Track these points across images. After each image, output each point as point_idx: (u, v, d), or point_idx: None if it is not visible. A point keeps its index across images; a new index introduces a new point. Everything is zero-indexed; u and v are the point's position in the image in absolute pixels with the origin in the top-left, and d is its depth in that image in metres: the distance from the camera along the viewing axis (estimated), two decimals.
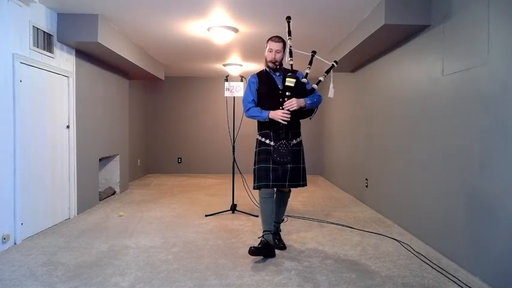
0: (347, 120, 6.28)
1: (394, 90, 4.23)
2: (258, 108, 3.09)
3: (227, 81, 4.50)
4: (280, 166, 3.02)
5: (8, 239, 3.21)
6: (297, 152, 3.10)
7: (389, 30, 3.64)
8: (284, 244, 3.28)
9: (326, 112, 7.84)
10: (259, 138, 3.15)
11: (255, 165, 3.12)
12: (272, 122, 3.01)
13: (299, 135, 3.17)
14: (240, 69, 7.08)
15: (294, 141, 3.10)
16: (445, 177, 3.07)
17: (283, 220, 3.66)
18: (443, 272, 2.73)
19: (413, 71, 3.74)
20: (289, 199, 3.35)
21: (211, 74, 8.20)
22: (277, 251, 3.16)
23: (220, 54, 6.12)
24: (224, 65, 7.04)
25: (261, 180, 3.03)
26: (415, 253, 3.14)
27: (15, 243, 3.31)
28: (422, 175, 3.49)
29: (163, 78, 7.11)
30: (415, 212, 3.64)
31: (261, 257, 2.99)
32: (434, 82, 3.27)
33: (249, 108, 3.12)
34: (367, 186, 5.13)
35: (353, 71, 5.83)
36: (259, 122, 3.16)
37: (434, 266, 2.84)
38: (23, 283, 2.51)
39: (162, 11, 3.99)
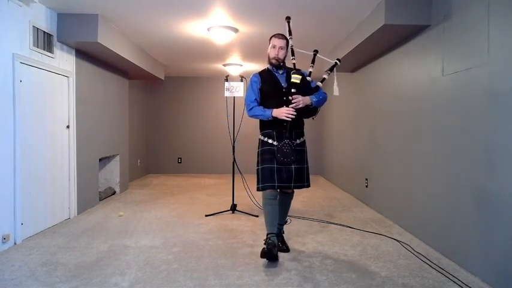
0: (347, 120, 6.28)
1: (394, 90, 4.22)
2: (261, 107, 3.04)
3: (227, 81, 4.50)
4: (285, 166, 2.97)
5: (8, 239, 3.21)
6: (301, 152, 3.06)
7: (390, 30, 3.64)
8: (287, 246, 3.24)
9: (326, 112, 7.84)
10: (262, 138, 3.10)
11: (258, 166, 3.06)
12: (275, 121, 2.96)
13: (302, 135, 3.12)
14: (240, 69, 7.08)
15: (298, 141, 3.05)
16: (445, 177, 3.07)
17: (287, 222, 3.60)
18: (443, 272, 2.73)
19: (413, 71, 3.74)
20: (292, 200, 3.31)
21: (211, 74, 8.20)
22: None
23: (220, 54, 6.12)
24: (224, 65, 7.04)
25: (265, 181, 2.97)
26: (415, 253, 3.14)
27: (15, 243, 3.31)
28: (422, 175, 3.49)
29: (163, 78, 7.11)
30: (415, 212, 3.64)
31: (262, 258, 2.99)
32: (434, 82, 3.27)
33: (251, 108, 3.06)
34: (367, 186, 5.13)
35: (353, 71, 5.82)
36: (261, 122, 3.11)
37: (434, 266, 2.84)
38: (23, 283, 2.51)
39: (162, 11, 3.99)
